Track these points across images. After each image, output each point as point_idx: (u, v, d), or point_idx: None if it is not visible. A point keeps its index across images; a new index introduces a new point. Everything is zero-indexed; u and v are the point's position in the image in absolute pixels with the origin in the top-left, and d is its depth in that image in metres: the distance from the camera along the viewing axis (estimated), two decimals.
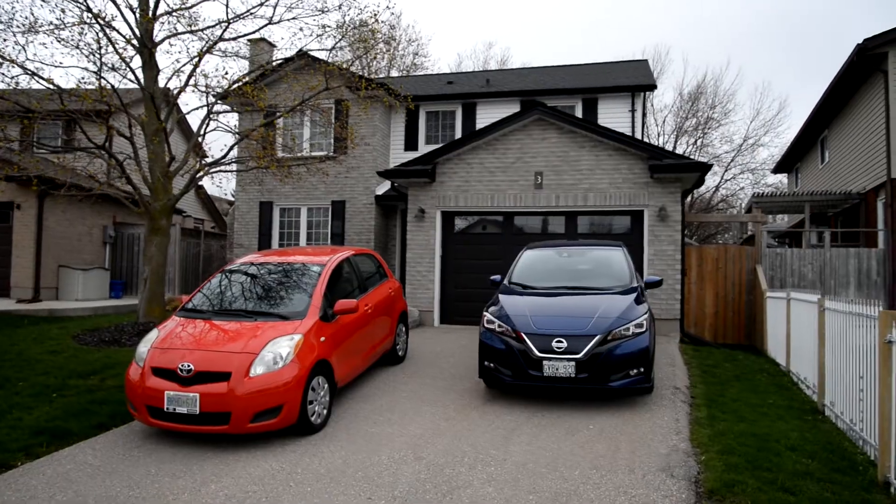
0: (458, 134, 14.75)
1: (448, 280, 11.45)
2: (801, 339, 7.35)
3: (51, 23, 8.14)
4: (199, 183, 10.02)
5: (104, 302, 13.77)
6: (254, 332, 5.24)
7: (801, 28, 49.88)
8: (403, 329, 7.93)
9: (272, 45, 15.53)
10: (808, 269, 11.17)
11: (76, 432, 5.31)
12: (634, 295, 6.31)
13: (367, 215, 14.29)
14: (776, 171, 23.29)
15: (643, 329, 5.82)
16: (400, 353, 7.76)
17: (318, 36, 9.30)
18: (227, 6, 8.64)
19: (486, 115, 14.51)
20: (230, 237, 15.44)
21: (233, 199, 36.42)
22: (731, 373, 7.76)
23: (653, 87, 13.65)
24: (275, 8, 8.72)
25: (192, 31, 8.77)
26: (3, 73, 8.04)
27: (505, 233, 11.32)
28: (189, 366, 4.90)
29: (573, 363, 5.60)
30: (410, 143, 15.07)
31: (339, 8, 9.52)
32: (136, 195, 8.90)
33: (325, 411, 5.43)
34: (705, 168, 9.82)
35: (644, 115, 14.65)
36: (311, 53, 11.07)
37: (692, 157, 23.30)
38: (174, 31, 8.80)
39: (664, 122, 28.74)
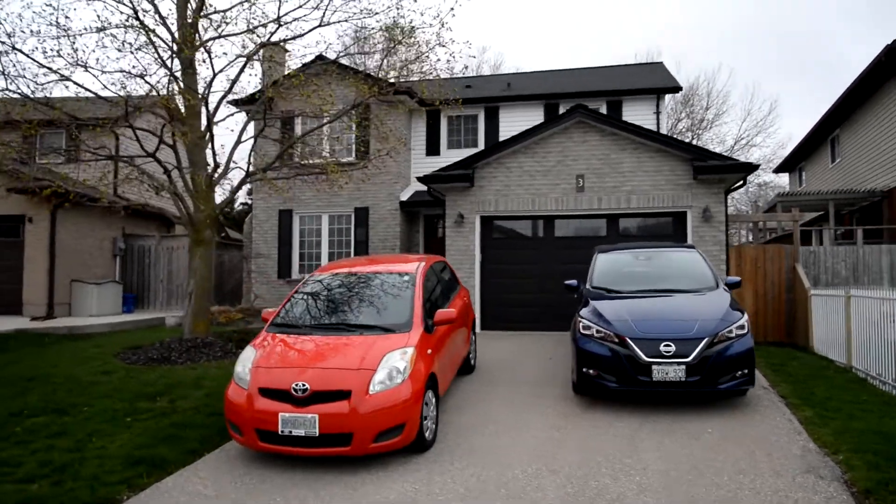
0: (481, 138, 14.65)
1: (488, 286, 11.29)
2: (868, 336, 7.42)
3: (114, 24, 7.75)
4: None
5: (119, 317, 13.24)
6: (365, 347, 4.99)
7: (785, 28, 51.37)
8: (473, 338, 7.75)
9: (286, 51, 15.20)
10: (842, 266, 11.35)
11: (171, 460, 4.98)
12: (728, 296, 6.30)
13: (392, 221, 14.07)
14: (778, 170, 23.73)
15: (745, 331, 5.81)
16: (472, 363, 7.58)
17: (362, 39, 9.07)
18: (278, 8, 8.36)
19: (509, 119, 14.46)
20: (248, 247, 15.01)
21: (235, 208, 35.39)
22: (802, 371, 7.78)
23: (677, 88, 13.79)
24: (324, 12, 8.47)
25: (239, 33, 8.49)
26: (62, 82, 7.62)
27: (546, 237, 11.22)
28: (304, 385, 4.63)
29: (683, 367, 5.52)
30: (432, 149, 14.91)
31: (397, 9, 9.26)
32: (184, 208, 8.50)
33: (434, 426, 5.22)
34: (751, 168, 9.90)
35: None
36: (347, 55, 10.81)
37: None
38: (216, 35, 8.49)
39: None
